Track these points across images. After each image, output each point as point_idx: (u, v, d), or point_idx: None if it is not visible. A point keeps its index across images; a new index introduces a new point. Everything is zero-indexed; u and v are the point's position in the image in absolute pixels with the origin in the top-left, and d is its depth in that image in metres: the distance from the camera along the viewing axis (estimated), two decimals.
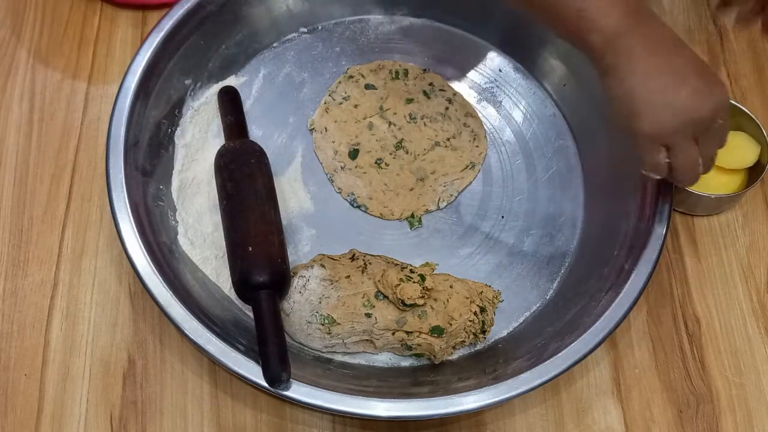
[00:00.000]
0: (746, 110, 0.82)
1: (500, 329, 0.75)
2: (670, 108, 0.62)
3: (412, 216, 0.80)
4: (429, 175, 0.82)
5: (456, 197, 0.82)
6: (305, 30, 0.89)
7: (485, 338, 0.73)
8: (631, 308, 0.69)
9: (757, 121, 0.81)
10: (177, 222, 0.77)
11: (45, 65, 0.87)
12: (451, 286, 0.71)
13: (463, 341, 0.71)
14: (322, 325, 0.69)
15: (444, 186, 0.82)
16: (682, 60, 0.63)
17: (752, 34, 0.93)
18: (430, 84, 0.87)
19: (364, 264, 0.72)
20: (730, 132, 0.83)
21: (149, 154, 0.77)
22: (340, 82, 0.86)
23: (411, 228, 0.80)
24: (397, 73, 0.87)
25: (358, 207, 0.81)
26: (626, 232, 0.75)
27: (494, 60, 0.89)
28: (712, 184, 0.81)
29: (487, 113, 0.86)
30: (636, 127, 0.64)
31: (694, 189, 0.79)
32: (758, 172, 0.81)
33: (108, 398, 0.72)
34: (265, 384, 0.64)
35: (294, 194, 0.81)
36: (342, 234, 0.79)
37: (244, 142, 0.77)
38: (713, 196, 0.79)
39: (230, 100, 0.81)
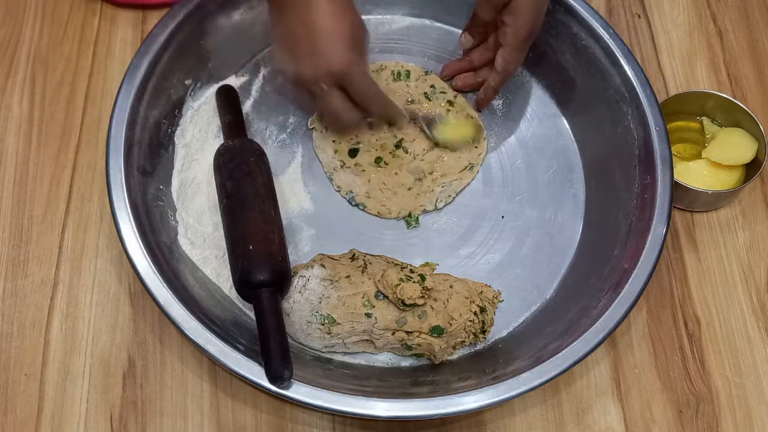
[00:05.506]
0: (743, 106, 0.83)
1: (500, 329, 0.75)
2: (287, 59, 0.72)
3: (410, 215, 0.80)
4: (427, 175, 0.82)
5: (454, 198, 0.82)
6: None
7: (485, 338, 0.73)
8: (631, 308, 0.69)
9: (754, 117, 0.82)
10: (177, 222, 0.77)
11: (45, 65, 0.87)
12: (451, 286, 0.71)
13: (463, 341, 0.71)
14: (322, 324, 0.69)
15: (442, 187, 0.82)
16: (311, 22, 0.69)
17: (752, 33, 0.94)
18: (431, 86, 0.87)
19: (364, 264, 0.72)
20: (727, 128, 0.84)
21: (149, 154, 0.77)
22: None
23: (408, 227, 0.80)
24: (398, 74, 0.87)
25: (356, 205, 0.81)
26: (626, 232, 0.75)
27: None
28: (710, 181, 0.81)
29: (487, 113, 0.86)
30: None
31: (692, 185, 0.79)
32: (755, 168, 0.81)
33: (108, 398, 0.72)
34: (265, 384, 0.64)
35: (294, 194, 0.81)
36: (342, 234, 0.79)
37: (242, 140, 0.77)
38: (710, 192, 0.80)
39: (228, 99, 0.81)
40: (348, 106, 0.74)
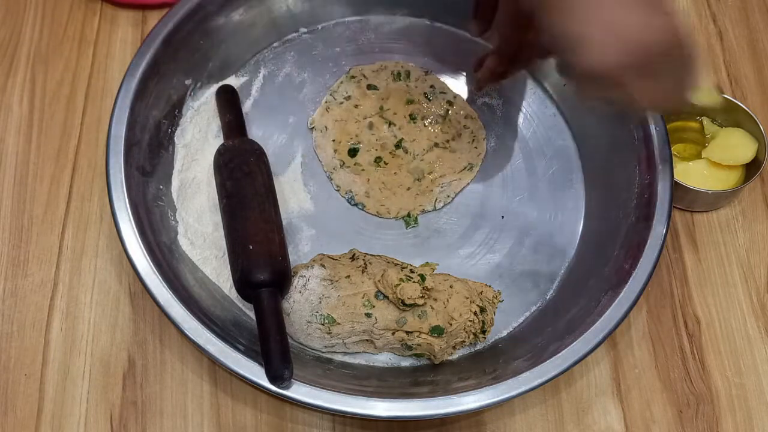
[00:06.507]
0: (743, 106, 0.83)
1: (500, 329, 0.75)
2: (612, 35, 0.53)
3: (408, 215, 0.80)
4: (426, 175, 0.82)
5: (453, 198, 0.82)
6: (305, 30, 0.89)
7: (485, 338, 0.73)
8: (631, 308, 0.69)
9: (755, 117, 0.82)
10: (177, 222, 0.77)
11: (45, 65, 0.87)
12: (451, 286, 0.71)
13: (463, 341, 0.71)
14: (322, 324, 0.69)
15: (441, 187, 0.82)
16: None
17: (752, 33, 0.94)
18: (431, 86, 0.87)
19: (364, 264, 0.72)
20: (727, 128, 0.84)
21: (149, 154, 0.77)
22: (341, 82, 0.86)
23: (407, 227, 0.80)
24: (398, 74, 0.87)
25: (356, 205, 0.81)
26: (626, 232, 0.75)
27: None
28: (710, 181, 0.82)
29: (487, 113, 0.86)
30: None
31: (692, 185, 0.79)
32: (756, 168, 0.81)
33: (108, 398, 0.72)
34: (265, 384, 0.64)
35: (294, 194, 0.81)
36: (342, 234, 0.79)
37: (243, 140, 0.77)
38: (710, 192, 0.80)
39: (228, 99, 0.81)
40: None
